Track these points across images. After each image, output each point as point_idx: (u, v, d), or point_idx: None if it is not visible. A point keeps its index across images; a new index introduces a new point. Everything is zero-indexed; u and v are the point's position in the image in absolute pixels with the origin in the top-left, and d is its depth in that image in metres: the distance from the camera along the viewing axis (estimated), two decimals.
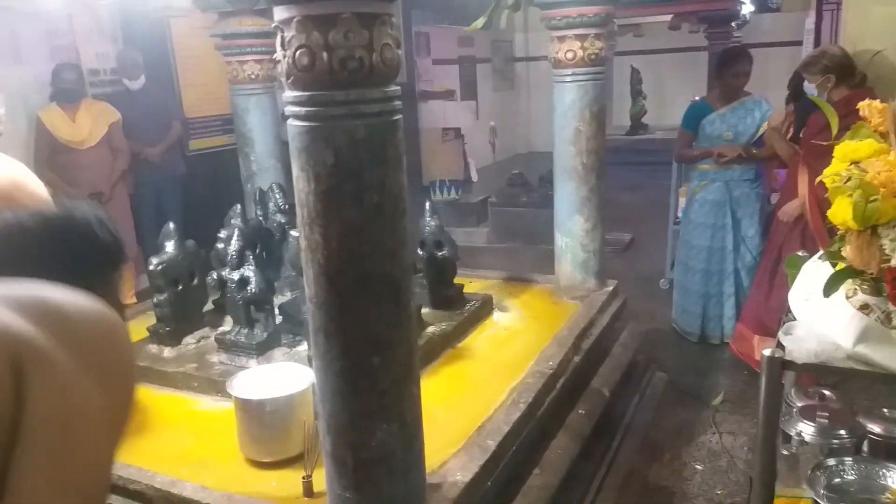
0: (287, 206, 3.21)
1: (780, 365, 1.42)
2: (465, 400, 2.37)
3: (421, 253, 3.05)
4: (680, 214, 4.86)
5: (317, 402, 1.67)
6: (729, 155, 3.68)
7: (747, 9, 7.64)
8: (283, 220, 3.16)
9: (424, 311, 2.92)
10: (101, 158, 4.25)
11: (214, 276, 2.73)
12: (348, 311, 1.53)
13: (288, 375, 2.09)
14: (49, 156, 4.12)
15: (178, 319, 2.70)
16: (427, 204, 3.18)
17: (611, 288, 3.37)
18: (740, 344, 3.61)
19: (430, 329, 2.78)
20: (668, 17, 7.76)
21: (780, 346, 1.51)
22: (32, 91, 4.28)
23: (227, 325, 2.78)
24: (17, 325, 0.56)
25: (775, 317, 2.34)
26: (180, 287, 2.70)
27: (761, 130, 3.67)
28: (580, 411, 2.63)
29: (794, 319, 1.59)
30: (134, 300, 4.41)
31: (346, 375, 1.56)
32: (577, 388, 2.73)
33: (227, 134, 5.15)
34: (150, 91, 4.58)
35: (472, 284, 3.47)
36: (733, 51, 3.89)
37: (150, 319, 2.80)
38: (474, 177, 9.10)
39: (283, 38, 1.43)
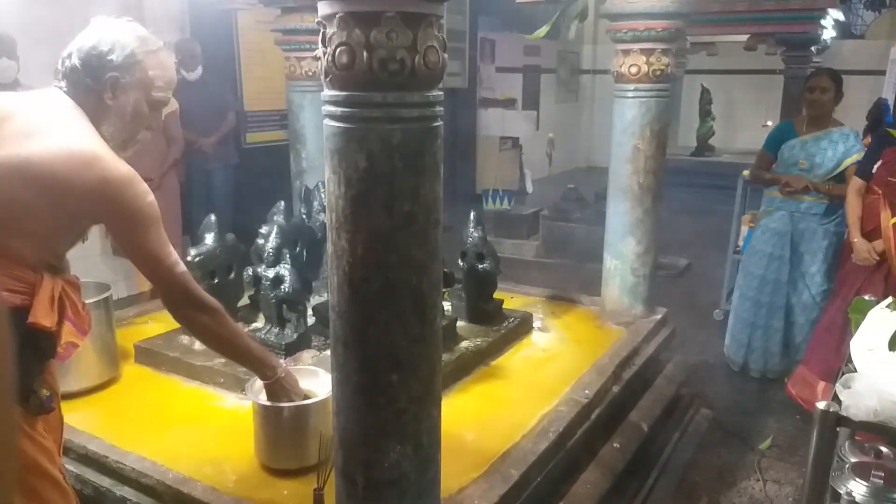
0: None
1: (835, 421, 1.28)
2: (493, 422, 2.27)
3: (461, 264, 2.96)
4: (741, 243, 4.66)
5: (333, 410, 1.60)
6: (794, 186, 3.47)
7: (829, 34, 7.29)
8: (325, 220, 3.12)
9: (460, 324, 2.83)
10: (156, 146, 4.32)
11: (250, 271, 2.70)
12: (370, 324, 1.46)
13: (311, 381, 2.03)
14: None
15: None
16: (472, 214, 3.09)
17: (659, 316, 3.21)
18: (801, 388, 3.39)
19: (464, 344, 2.69)
20: (745, 38, 7.46)
21: (836, 398, 1.37)
22: None
23: (260, 321, 2.75)
24: None
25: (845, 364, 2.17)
26: (216, 280, 2.69)
27: (843, 166, 3.42)
28: (615, 445, 2.50)
29: (855, 370, 1.45)
30: None
31: (362, 390, 1.48)
32: (613, 419, 2.59)
33: (283, 129, 5.18)
34: (207, 82, 4.64)
35: (514, 300, 3.36)
36: (818, 67, 3.69)
37: None
38: (529, 188, 8.98)
39: (324, 35, 1.37)
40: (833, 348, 3.20)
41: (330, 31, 1.35)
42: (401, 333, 1.46)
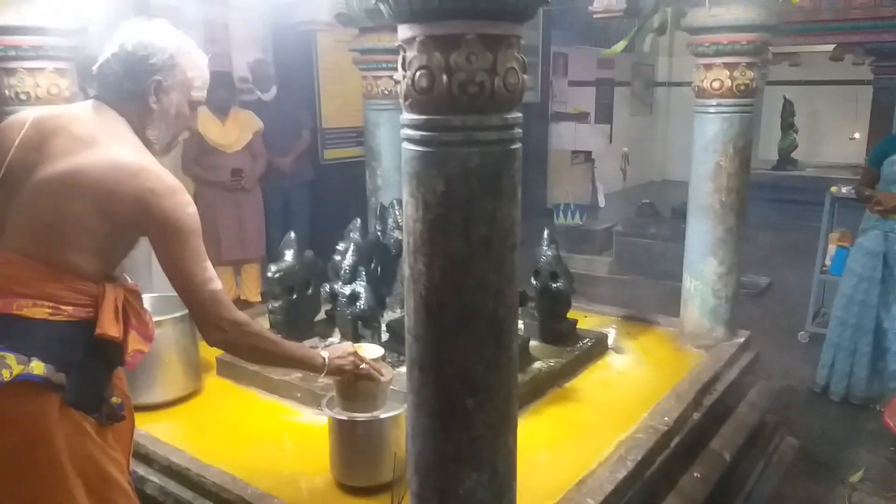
0: None
1: None
2: (568, 448, 2.22)
3: (534, 283, 2.92)
4: (829, 262, 4.44)
5: (408, 433, 1.60)
6: (885, 204, 3.28)
7: None
8: (399, 237, 3.15)
9: (533, 344, 2.79)
10: (243, 161, 4.50)
11: (327, 288, 2.75)
12: (446, 348, 1.45)
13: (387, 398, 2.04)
14: (197, 154, 4.42)
15: (290, 327, 2.74)
16: (545, 231, 3.05)
17: (742, 339, 3.08)
18: None
19: (537, 364, 2.65)
20: (831, 47, 7.14)
21: None
22: None
23: (336, 337, 2.79)
24: None
25: None
26: (295, 296, 2.75)
27: None
28: (695, 474, 2.39)
29: None
30: (259, 299, 4.61)
31: (437, 415, 1.47)
32: (694, 447, 2.49)
33: (359, 146, 5.28)
34: (282, 101, 4.79)
35: (588, 319, 3.29)
36: None
37: (265, 324, 2.86)
38: (601, 202, 8.82)
39: (404, 59, 1.38)
40: None
41: (410, 54, 1.36)
42: (477, 358, 1.45)
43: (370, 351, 1.99)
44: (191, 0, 2.20)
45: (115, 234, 1.52)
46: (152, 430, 2.20)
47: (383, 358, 2.19)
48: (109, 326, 1.46)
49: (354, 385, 1.89)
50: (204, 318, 1.56)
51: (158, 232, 1.51)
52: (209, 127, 4.42)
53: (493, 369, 1.46)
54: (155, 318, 2.37)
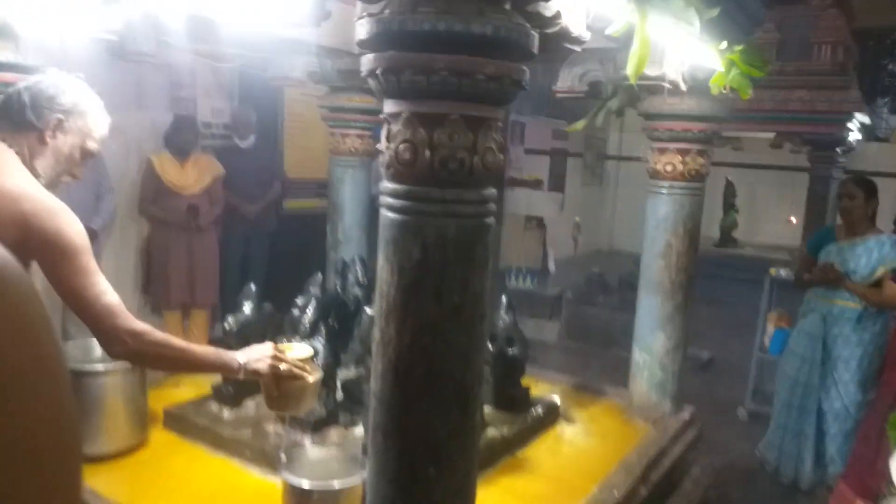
0: (367, 281, 3.21)
1: None
2: None
3: (490, 347, 2.95)
4: (767, 341, 4.61)
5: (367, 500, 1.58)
6: (819, 275, 3.45)
7: (854, 136, 7.40)
8: (359, 294, 3.16)
9: (486, 410, 2.80)
10: (200, 203, 4.46)
11: (284, 342, 2.72)
12: (411, 413, 1.46)
13: (340, 463, 2.01)
14: (154, 196, 4.38)
15: (243, 381, 2.68)
16: (503, 297, 3.11)
17: (687, 415, 3.16)
18: None
19: (491, 432, 2.65)
20: (771, 135, 7.59)
21: None
22: (149, 136, 4.57)
23: None
24: None
25: (882, 481, 2.11)
26: None
27: (878, 273, 3.39)
28: None
29: None
30: None
31: (398, 480, 1.47)
32: None
33: (320, 197, 5.32)
34: (257, 149, 4.81)
35: (539, 386, 3.32)
36: (848, 174, 3.78)
37: (216, 375, 2.80)
38: (552, 267, 8.98)
39: (389, 131, 1.43)
40: (869, 463, 3.11)
41: (395, 127, 1.42)
42: (441, 424, 1.46)
43: (299, 351, 1.98)
44: (165, 46, 2.22)
45: None
46: (93, 482, 2.11)
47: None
48: None
49: (277, 386, 1.87)
50: (101, 331, 1.58)
51: (43, 253, 1.54)
52: (167, 169, 4.39)
53: (456, 436, 1.48)
54: (103, 367, 2.33)
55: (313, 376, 1.94)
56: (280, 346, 1.96)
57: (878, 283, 3.41)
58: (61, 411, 0.57)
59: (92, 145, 1.73)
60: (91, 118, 1.71)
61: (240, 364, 1.78)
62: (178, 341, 1.72)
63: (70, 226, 1.56)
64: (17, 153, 1.62)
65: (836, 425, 3.53)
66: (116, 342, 1.58)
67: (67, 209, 1.59)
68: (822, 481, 3.56)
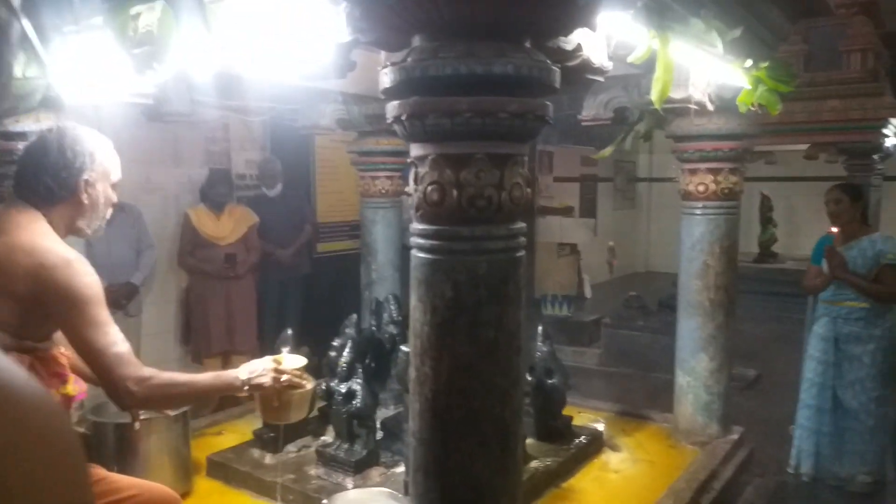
0: (401, 318, 3.23)
1: None
2: None
3: (529, 378, 2.94)
4: None
5: None
6: (832, 262, 3.46)
7: (891, 141, 7.24)
8: (394, 332, 3.18)
9: (529, 441, 2.78)
10: (237, 251, 4.55)
11: (323, 385, 2.74)
12: (452, 452, 1.46)
13: None
14: (192, 248, 4.48)
15: (284, 426, 2.71)
16: (539, 327, 3.10)
17: (736, 436, 3.08)
18: None
19: (534, 464, 2.63)
20: (805, 147, 7.46)
21: None
22: (185, 190, 4.70)
23: (329, 435, 2.76)
24: None
25: None
26: None
27: (876, 270, 3.43)
28: None
29: None
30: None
31: None
32: None
33: (352, 239, 5.40)
34: (286, 196, 4.91)
35: (582, 415, 3.29)
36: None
37: (258, 421, 2.83)
38: (588, 293, 8.91)
39: (416, 174, 1.46)
40: None
41: (422, 170, 1.45)
42: (483, 463, 1.46)
43: (292, 361, 2.01)
44: (199, 105, 2.31)
45: (19, 311, 1.60)
46: None
47: (378, 463, 2.19)
48: None
49: (278, 397, 1.90)
50: (110, 381, 1.61)
51: (56, 304, 1.60)
52: (204, 221, 4.50)
53: (498, 474, 1.47)
54: (146, 417, 2.37)
55: (310, 384, 1.99)
56: (276, 357, 2.00)
57: (877, 280, 3.44)
58: None
59: (116, 178, 1.80)
60: (105, 157, 1.77)
61: (242, 381, 1.83)
62: (181, 377, 1.77)
63: (81, 276, 1.60)
64: (57, 219, 1.69)
65: (856, 421, 3.52)
66: (126, 394, 1.61)
67: (81, 260, 1.63)
68: (848, 476, 3.52)
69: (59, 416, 0.51)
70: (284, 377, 1.89)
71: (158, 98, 2.01)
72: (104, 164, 1.76)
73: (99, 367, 1.60)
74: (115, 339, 1.62)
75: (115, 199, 1.82)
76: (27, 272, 1.57)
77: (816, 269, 3.73)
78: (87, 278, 1.61)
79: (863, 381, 3.51)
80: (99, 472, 1.74)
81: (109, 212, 1.83)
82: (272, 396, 1.90)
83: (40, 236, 1.64)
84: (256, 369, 1.87)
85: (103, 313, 1.62)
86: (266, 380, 1.85)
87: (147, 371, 1.65)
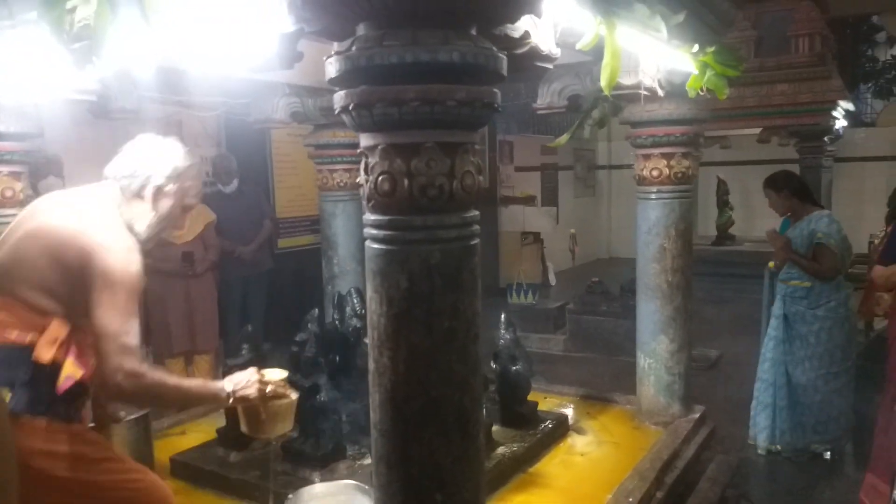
0: (364, 311, 3.21)
1: None
2: None
3: (494, 366, 2.96)
4: None
5: None
6: (774, 244, 3.72)
7: (840, 123, 7.44)
8: (358, 325, 3.16)
9: (495, 428, 2.80)
10: (194, 251, 4.48)
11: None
12: (413, 442, 1.46)
13: (348, 496, 2.01)
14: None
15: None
16: (503, 315, 3.12)
17: (697, 415, 3.15)
18: (874, 498, 3.25)
19: (501, 450, 2.65)
20: (757, 131, 7.63)
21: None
22: None
23: (295, 430, 2.73)
24: None
25: None
26: None
27: (810, 246, 3.62)
28: None
29: None
30: None
31: None
32: None
33: (314, 233, 5.36)
34: (243, 193, 4.84)
35: (547, 400, 3.33)
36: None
37: (221, 420, 2.80)
38: (552, 280, 9.01)
39: (366, 164, 1.45)
40: (890, 447, 3.09)
41: (372, 160, 1.44)
42: (444, 451, 1.46)
43: (273, 374, 2.02)
44: (146, 101, 2.26)
45: (68, 280, 1.66)
46: None
47: (345, 457, 2.18)
48: (40, 352, 1.60)
49: (263, 408, 1.91)
50: (106, 369, 1.63)
51: (96, 281, 1.64)
52: None
53: (460, 461, 1.48)
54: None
55: (294, 394, 2.02)
56: (259, 371, 2.01)
57: (814, 259, 3.61)
58: None
59: (191, 201, 1.88)
60: (188, 177, 1.85)
61: (227, 393, 1.85)
62: (170, 379, 1.79)
63: (129, 265, 1.66)
64: (125, 210, 1.77)
65: (805, 396, 3.68)
66: (113, 385, 1.63)
67: (130, 248, 1.70)
68: (804, 449, 3.70)
69: None
70: (269, 388, 1.91)
71: (102, 94, 1.96)
72: (184, 183, 1.84)
73: (103, 350, 1.63)
74: (129, 329, 1.65)
75: (180, 222, 1.89)
76: (81, 247, 1.64)
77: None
78: (134, 268, 1.68)
79: (810, 358, 3.67)
80: (117, 449, 1.87)
81: (173, 234, 1.91)
82: (258, 408, 1.92)
83: (107, 218, 1.72)
84: (241, 381, 1.89)
85: (132, 305, 1.67)
86: (251, 391, 1.88)
87: (142, 368, 1.68)
